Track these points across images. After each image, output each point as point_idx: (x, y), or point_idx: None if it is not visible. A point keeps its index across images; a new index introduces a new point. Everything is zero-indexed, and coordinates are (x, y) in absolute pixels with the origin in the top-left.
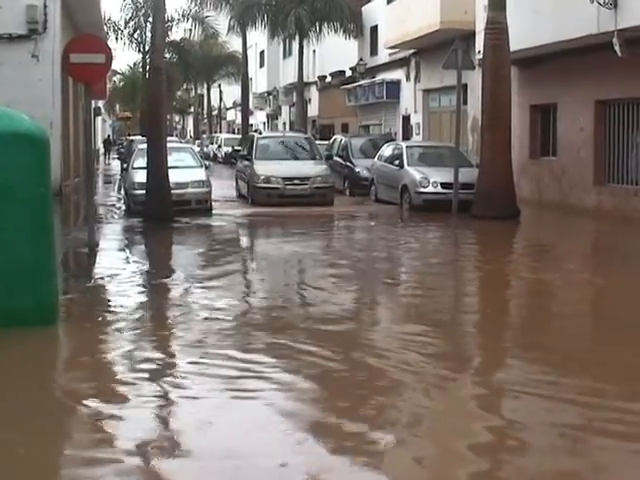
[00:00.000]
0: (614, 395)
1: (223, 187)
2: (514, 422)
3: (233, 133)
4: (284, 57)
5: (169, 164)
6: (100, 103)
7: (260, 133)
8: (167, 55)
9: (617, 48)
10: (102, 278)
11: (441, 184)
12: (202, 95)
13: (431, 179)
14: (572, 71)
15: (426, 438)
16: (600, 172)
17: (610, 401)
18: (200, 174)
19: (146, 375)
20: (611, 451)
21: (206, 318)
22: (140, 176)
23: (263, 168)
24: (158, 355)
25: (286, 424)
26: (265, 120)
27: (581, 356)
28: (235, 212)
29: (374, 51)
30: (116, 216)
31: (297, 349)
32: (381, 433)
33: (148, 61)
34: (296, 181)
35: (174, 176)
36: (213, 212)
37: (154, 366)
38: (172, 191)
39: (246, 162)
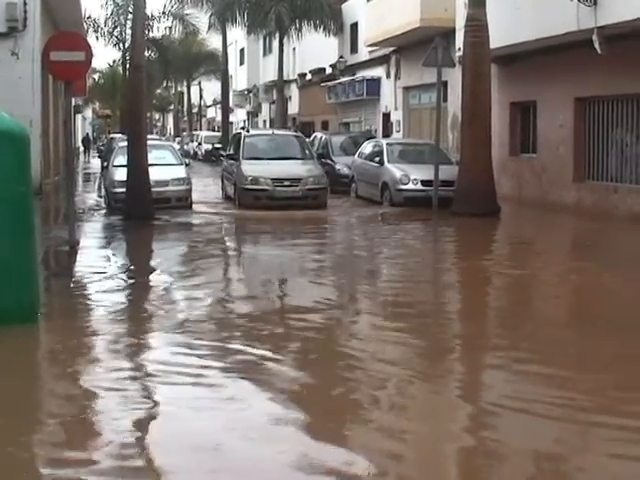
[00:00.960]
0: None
1: (206, 186)
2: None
3: (213, 131)
4: (264, 55)
5: (149, 162)
6: (80, 101)
7: (247, 131)
8: (147, 53)
9: (597, 45)
10: (83, 276)
11: (421, 181)
12: (182, 93)
13: (411, 176)
14: (552, 68)
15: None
16: (580, 169)
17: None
18: (180, 172)
19: (127, 372)
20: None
21: (186, 316)
22: (120, 174)
23: (251, 168)
24: (139, 352)
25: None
26: (245, 118)
27: (558, 349)
28: (218, 217)
29: (354, 48)
30: (96, 214)
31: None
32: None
33: (128, 59)
34: (286, 182)
35: (154, 174)
36: (195, 214)
37: (135, 363)
38: (152, 189)
39: (233, 162)
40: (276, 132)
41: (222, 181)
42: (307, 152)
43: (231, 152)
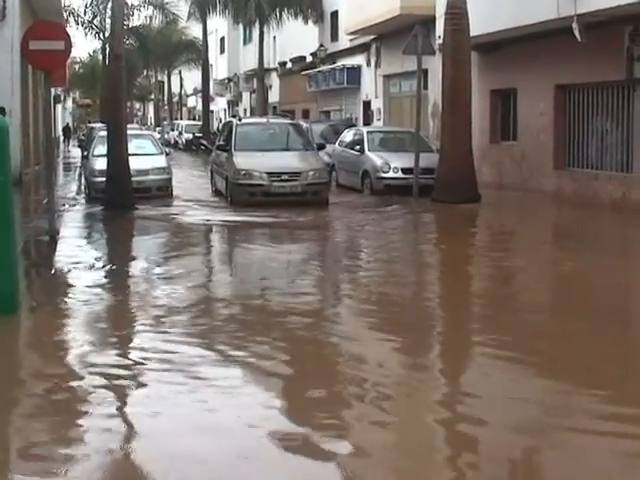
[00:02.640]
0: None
1: (191, 178)
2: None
3: (194, 120)
4: (244, 43)
5: (129, 151)
6: (60, 90)
7: (240, 119)
8: (127, 42)
9: (577, 33)
10: (63, 266)
11: (402, 169)
12: (162, 82)
13: (392, 164)
14: (532, 56)
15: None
16: (560, 156)
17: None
18: (160, 161)
19: (105, 366)
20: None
21: (165, 305)
22: (100, 163)
23: (244, 161)
24: (118, 343)
25: None
26: (226, 106)
27: (536, 334)
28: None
29: (334, 37)
30: (77, 204)
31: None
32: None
33: (108, 48)
34: (284, 176)
35: (134, 163)
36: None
37: (113, 355)
38: (133, 178)
39: (223, 153)
40: (272, 120)
41: (211, 174)
42: (307, 142)
43: (222, 142)
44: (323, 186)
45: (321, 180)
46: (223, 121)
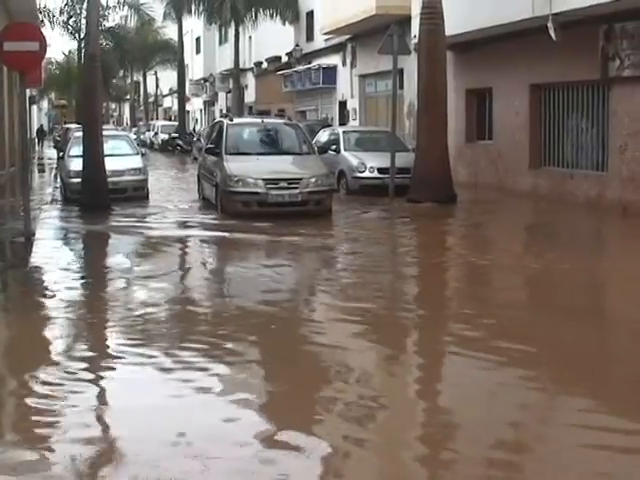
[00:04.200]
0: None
1: (170, 180)
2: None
3: (170, 120)
4: (220, 43)
5: (105, 152)
6: (35, 91)
7: (231, 119)
8: (103, 42)
9: (552, 32)
10: (39, 267)
11: (378, 169)
12: (138, 82)
13: (368, 164)
14: (507, 55)
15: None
16: (536, 155)
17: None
18: (136, 162)
19: (81, 365)
20: None
21: (141, 306)
22: (76, 164)
23: (237, 166)
24: (92, 343)
25: None
26: (202, 107)
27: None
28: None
29: (310, 37)
30: (53, 205)
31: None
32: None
33: (83, 49)
34: (283, 184)
35: (110, 164)
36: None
37: (88, 354)
38: (108, 179)
39: (213, 157)
40: (267, 120)
41: (198, 181)
42: (306, 145)
43: (211, 145)
44: (326, 194)
45: (324, 187)
46: (200, 121)
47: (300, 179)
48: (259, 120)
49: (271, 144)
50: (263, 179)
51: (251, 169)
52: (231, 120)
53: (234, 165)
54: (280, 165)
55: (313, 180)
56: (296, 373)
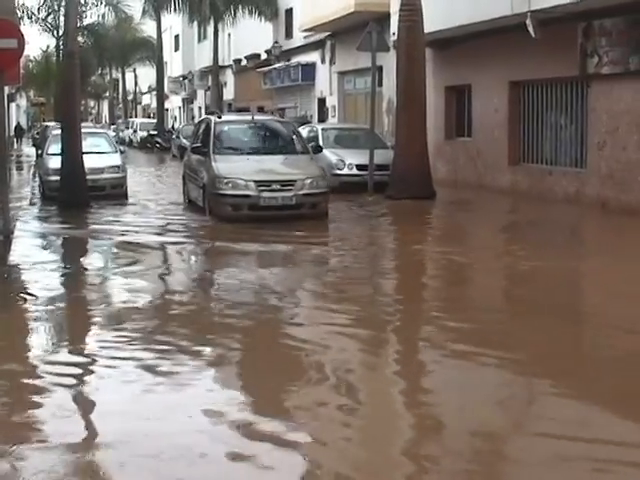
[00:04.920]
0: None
1: (152, 178)
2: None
3: (149, 117)
4: (199, 40)
5: (84, 149)
6: (13, 89)
7: (219, 116)
8: (81, 39)
9: (531, 29)
10: (17, 265)
11: (357, 166)
12: (117, 80)
13: (347, 161)
14: (486, 52)
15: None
16: (515, 152)
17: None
18: (115, 159)
19: (62, 363)
20: None
21: (122, 303)
22: (55, 162)
23: (226, 167)
24: (73, 341)
25: None
26: (181, 104)
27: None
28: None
29: (289, 34)
30: (31, 203)
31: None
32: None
33: (62, 46)
34: (276, 186)
35: (89, 162)
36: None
37: (69, 352)
38: (87, 177)
39: (200, 157)
40: (257, 117)
41: (184, 182)
42: (300, 144)
43: (198, 144)
44: (322, 197)
45: (319, 190)
46: (179, 119)
47: (294, 181)
48: (249, 117)
49: (262, 143)
50: (254, 181)
51: (241, 170)
52: (219, 117)
53: (223, 165)
54: (272, 166)
55: (308, 182)
56: None
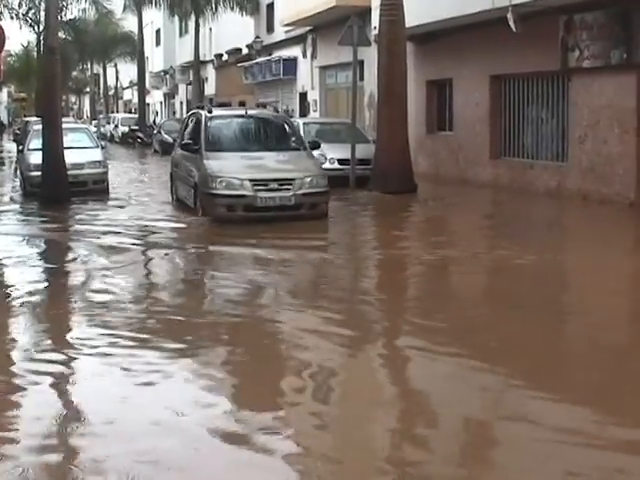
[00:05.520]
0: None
1: (131, 176)
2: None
3: (130, 113)
4: (180, 35)
5: (65, 145)
6: None
7: (210, 110)
8: (62, 35)
9: (512, 23)
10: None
11: (338, 160)
12: (98, 75)
13: (328, 155)
14: (467, 47)
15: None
16: (496, 146)
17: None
18: (96, 154)
19: (43, 358)
20: None
21: (101, 300)
22: (36, 157)
23: (219, 165)
24: (53, 337)
25: None
26: (162, 99)
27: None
28: None
29: (270, 28)
30: (12, 198)
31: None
32: None
33: (42, 41)
34: (273, 185)
35: (70, 157)
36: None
37: (49, 348)
38: (68, 172)
39: (190, 154)
40: (251, 112)
41: (171, 180)
42: (297, 140)
43: (188, 141)
44: (322, 196)
45: (319, 189)
46: (161, 114)
47: (293, 179)
48: (242, 111)
49: (257, 139)
50: (250, 180)
51: (236, 168)
52: (210, 112)
53: (216, 164)
54: (269, 163)
55: (308, 180)
56: None
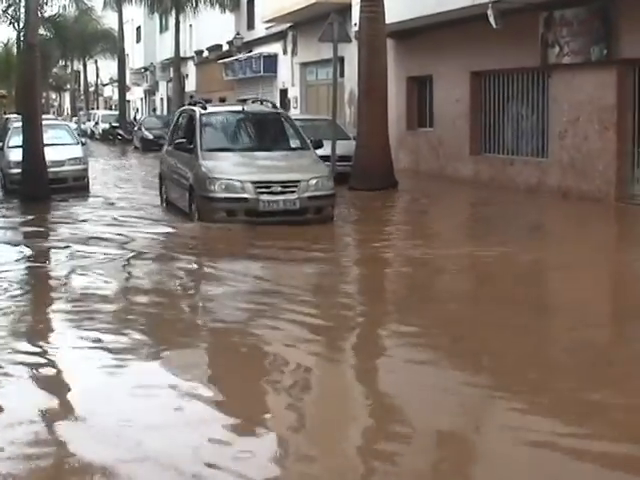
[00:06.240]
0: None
1: (121, 172)
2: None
3: (110, 109)
4: (161, 32)
5: (45, 142)
6: None
7: (204, 107)
8: (42, 31)
9: (492, 20)
10: None
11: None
12: (78, 72)
13: None
14: (448, 43)
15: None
16: (476, 142)
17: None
18: (76, 151)
19: (24, 355)
20: None
21: (81, 295)
22: (16, 155)
23: (217, 166)
24: (38, 336)
25: None
26: (142, 96)
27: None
28: None
29: (251, 25)
30: None
31: None
32: None
33: (22, 38)
34: (277, 187)
35: (50, 154)
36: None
37: (35, 346)
38: (48, 169)
39: (183, 154)
40: (248, 108)
41: (160, 181)
42: (299, 138)
43: (181, 139)
44: (329, 200)
45: (326, 191)
46: (141, 110)
47: (298, 181)
48: (239, 107)
49: (257, 137)
50: (252, 182)
51: (236, 169)
52: (204, 108)
53: (214, 165)
54: (271, 164)
55: (313, 182)
56: None
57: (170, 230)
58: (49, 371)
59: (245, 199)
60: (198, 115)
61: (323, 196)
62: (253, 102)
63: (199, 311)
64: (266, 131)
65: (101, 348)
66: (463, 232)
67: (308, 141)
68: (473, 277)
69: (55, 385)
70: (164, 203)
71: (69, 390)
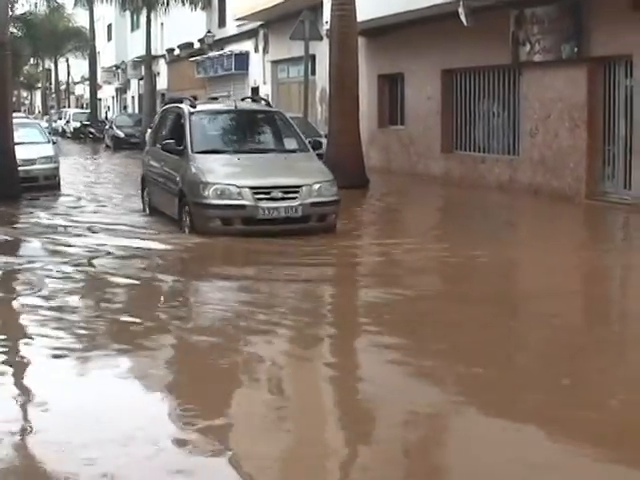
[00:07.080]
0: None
1: (95, 174)
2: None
3: (82, 108)
4: (132, 30)
5: (16, 140)
6: None
7: (193, 105)
8: (13, 29)
9: (463, 17)
10: None
11: None
12: (50, 70)
13: None
14: (419, 41)
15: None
16: (447, 140)
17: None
18: (47, 150)
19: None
20: None
21: (53, 291)
22: None
23: (211, 169)
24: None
25: None
26: (114, 94)
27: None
28: None
29: (222, 23)
30: None
31: None
32: None
33: None
34: (277, 193)
35: (21, 152)
36: None
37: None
38: (19, 168)
39: (171, 156)
40: (241, 105)
41: (143, 185)
42: (297, 139)
43: (169, 140)
44: (332, 206)
45: (330, 197)
46: (112, 109)
47: (299, 187)
48: (232, 105)
49: (252, 138)
50: (250, 187)
51: (231, 173)
52: (193, 106)
53: (207, 168)
54: (270, 167)
55: (316, 188)
56: None
57: (167, 248)
58: None
59: (242, 206)
60: (187, 114)
61: (327, 202)
62: (253, 100)
63: None
64: (262, 131)
65: None
66: (434, 231)
67: (307, 142)
68: (440, 276)
69: None
70: (147, 208)
71: None
